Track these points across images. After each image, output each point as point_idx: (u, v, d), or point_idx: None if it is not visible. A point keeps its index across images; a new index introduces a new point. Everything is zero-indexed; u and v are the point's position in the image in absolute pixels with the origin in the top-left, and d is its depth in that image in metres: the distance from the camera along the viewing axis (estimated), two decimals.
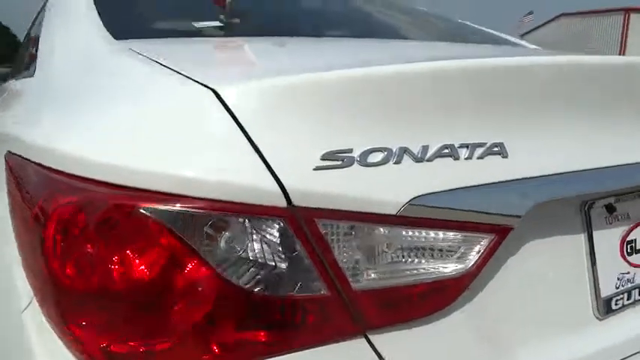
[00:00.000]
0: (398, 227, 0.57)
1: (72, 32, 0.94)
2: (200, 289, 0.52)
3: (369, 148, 0.56)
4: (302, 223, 0.52)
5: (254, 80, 0.55)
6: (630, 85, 0.77)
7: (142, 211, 0.51)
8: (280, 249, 0.53)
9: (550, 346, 0.69)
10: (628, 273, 0.81)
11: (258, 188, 0.51)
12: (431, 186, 0.57)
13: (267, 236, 0.52)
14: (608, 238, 0.79)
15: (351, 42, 1.07)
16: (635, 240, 0.83)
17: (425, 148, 0.58)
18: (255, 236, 0.52)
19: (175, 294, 0.52)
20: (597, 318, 0.76)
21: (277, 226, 0.52)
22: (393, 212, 0.55)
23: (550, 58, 0.70)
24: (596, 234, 0.77)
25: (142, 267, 0.51)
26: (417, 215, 0.57)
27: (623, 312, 0.79)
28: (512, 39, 1.83)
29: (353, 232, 0.55)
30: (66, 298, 0.53)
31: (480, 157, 0.61)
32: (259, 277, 0.53)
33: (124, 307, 0.52)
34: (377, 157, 0.56)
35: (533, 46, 1.76)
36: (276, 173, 0.52)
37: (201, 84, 0.56)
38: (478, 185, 0.60)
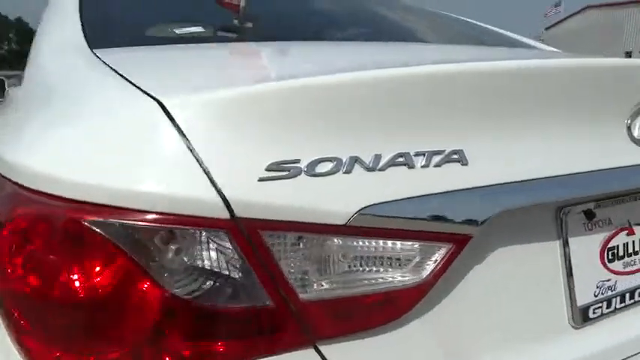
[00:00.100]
0: (348, 237, 0.56)
1: (52, 41, 0.96)
2: (147, 300, 0.52)
3: (317, 158, 0.55)
4: (245, 234, 0.52)
5: (198, 92, 0.55)
6: (608, 87, 0.75)
7: (86, 224, 0.51)
8: (224, 261, 0.53)
9: (517, 355, 0.67)
10: (608, 280, 0.78)
11: (201, 200, 0.51)
12: (383, 195, 0.56)
13: (211, 248, 0.52)
14: (586, 245, 0.76)
15: (329, 46, 1.06)
16: (617, 246, 0.80)
17: (377, 157, 0.57)
18: (199, 248, 0.52)
19: (122, 306, 0.52)
20: (573, 327, 0.74)
21: (220, 238, 0.52)
22: (342, 222, 0.55)
23: (519, 62, 0.68)
24: (572, 241, 0.75)
25: (89, 279, 0.52)
26: (368, 225, 0.56)
27: (602, 321, 0.76)
28: (518, 38, 1.78)
29: (301, 243, 0.55)
30: (18, 308, 0.55)
31: (438, 165, 0.60)
32: (204, 288, 0.53)
33: (72, 318, 0.53)
34: (325, 167, 0.55)
35: (544, 47, 1.71)
36: (219, 185, 0.51)
37: (150, 95, 0.56)
38: (434, 194, 0.59)
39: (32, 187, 0.55)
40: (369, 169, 0.57)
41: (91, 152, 0.54)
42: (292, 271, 0.54)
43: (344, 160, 0.56)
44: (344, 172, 0.56)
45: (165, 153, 0.53)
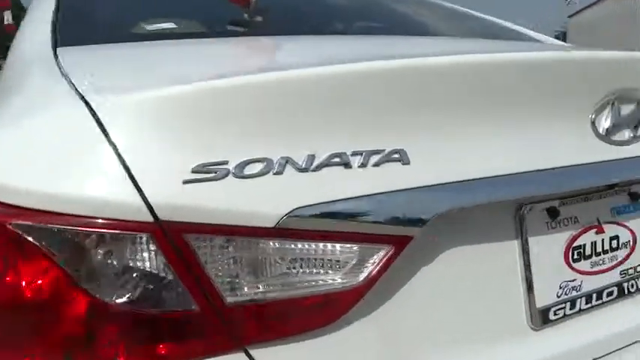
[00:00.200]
0: (278, 240, 0.55)
1: (23, 39, 0.96)
2: (75, 305, 0.52)
3: (246, 159, 0.54)
4: (169, 238, 0.52)
5: (125, 92, 0.54)
6: (571, 81, 0.72)
7: (11, 227, 0.51)
8: (149, 265, 0.52)
9: (469, 357, 0.66)
10: (573, 280, 0.76)
11: (125, 204, 0.51)
12: (316, 196, 0.55)
13: (136, 252, 0.52)
14: (549, 244, 0.74)
15: (277, 41, 1.03)
16: (584, 245, 0.77)
17: (311, 158, 0.56)
18: (124, 253, 0.52)
19: (51, 310, 0.52)
20: (532, 329, 0.71)
21: (145, 242, 0.52)
22: (271, 225, 0.54)
23: (470, 57, 0.66)
24: (533, 240, 0.72)
25: (16, 283, 0.52)
26: (300, 227, 0.55)
27: (565, 322, 0.74)
28: (515, 28, 1.71)
29: (229, 246, 0.54)
30: None
31: (376, 165, 0.58)
32: (131, 293, 0.52)
33: (3, 323, 0.53)
34: (255, 168, 0.54)
35: (547, 39, 1.63)
36: (142, 188, 0.51)
37: (80, 96, 0.55)
38: (372, 195, 0.57)
39: None
40: (302, 170, 0.55)
41: (18, 154, 0.54)
42: (221, 274, 0.54)
43: (275, 161, 0.55)
44: (274, 174, 0.54)
45: (91, 155, 0.52)
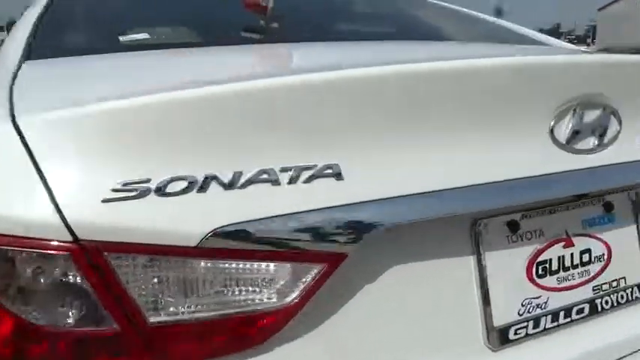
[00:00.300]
0: (203, 259, 0.54)
1: (3, 48, 0.99)
2: None
3: (169, 177, 0.53)
4: (89, 257, 0.51)
5: (48, 110, 0.54)
6: (528, 88, 0.68)
7: None
8: (70, 284, 0.52)
9: None
10: (538, 298, 0.72)
11: (45, 223, 0.51)
12: (242, 214, 0.54)
13: (57, 271, 0.52)
14: (509, 260, 0.71)
15: (221, 54, 1.01)
16: (550, 260, 0.74)
17: (238, 175, 0.55)
18: (45, 272, 0.52)
19: None
20: (491, 349, 0.68)
21: (65, 261, 0.51)
22: (193, 244, 0.53)
23: (414, 66, 0.64)
24: (490, 255, 0.69)
25: None
26: (225, 246, 0.54)
27: (527, 342, 0.70)
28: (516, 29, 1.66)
29: (152, 266, 0.53)
30: None
31: (307, 181, 0.57)
32: (52, 312, 0.52)
33: None
34: (178, 186, 0.53)
35: (558, 42, 1.56)
36: (61, 207, 0.51)
37: (9, 112, 0.56)
38: (300, 212, 0.55)
39: None
40: (227, 187, 0.54)
41: None
42: (144, 294, 0.53)
43: (199, 179, 0.54)
44: (198, 191, 0.53)
45: (14, 173, 0.52)
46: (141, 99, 0.54)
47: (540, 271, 0.73)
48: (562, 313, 0.73)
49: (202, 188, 0.54)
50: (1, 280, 0.51)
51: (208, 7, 1.35)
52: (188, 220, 0.53)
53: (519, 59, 0.69)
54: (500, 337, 0.68)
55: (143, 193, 0.52)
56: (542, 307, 0.72)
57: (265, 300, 0.56)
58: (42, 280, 0.52)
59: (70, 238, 0.51)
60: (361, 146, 0.60)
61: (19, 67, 0.81)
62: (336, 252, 0.57)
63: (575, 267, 0.75)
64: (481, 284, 0.68)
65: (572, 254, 0.75)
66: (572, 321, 0.74)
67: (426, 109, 0.63)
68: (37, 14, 1.14)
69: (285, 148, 0.57)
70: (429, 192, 0.61)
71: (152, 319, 0.53)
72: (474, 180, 0.64)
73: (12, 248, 0.51)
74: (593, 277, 0.77)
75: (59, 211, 0.51)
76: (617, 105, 0.73)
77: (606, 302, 0.77)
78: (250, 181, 0.55)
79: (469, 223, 0.68)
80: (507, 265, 0.70)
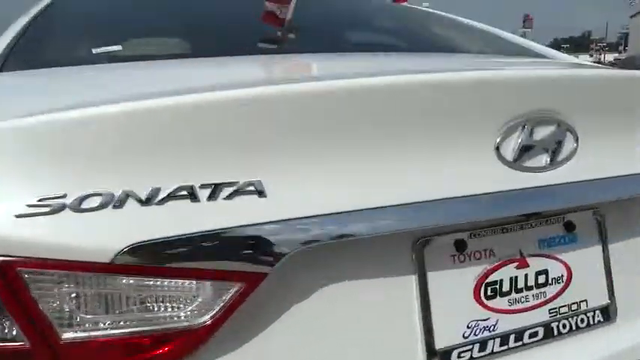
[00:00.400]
0: (115, 276, 0.53)
1: None
2: None
3: (85, 193, 0.53)
4: (1, 272, 0.51)
5: None
6: (473, 104, 0.66)
7: None
8: None
9: None
10: (486, 320, 0.69)
11: None
12: (157, 231, 0.53)
13: None
14: (454, 280, 0.68)
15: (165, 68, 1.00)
16: (501, 281, 0.71)
17: (155, 191, 0.54)
18: None
19: None
20: None
21: None
22: (107, 260, 0.52)
23: (345, 82, 0.62)
24: (433, 275, 0.67)
25: None
26: (138, 263, 0.53)
27: None
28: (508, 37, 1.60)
29: (65, 281, 0.53)
30: None
31: (228, 198, 0.56)
32: None
33: None
34: (93, 202, 0.53)
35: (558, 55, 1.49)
36: None
37: None
38: (219, 229, 0.55)
39: None
40: (145, 204, 0.54)
41: None
42: (57, 309, 0.53)
43: (116, 195, 0.54)
44: (114, 207, 0.53)
45: None
46: (58, 115, 0.54)
47: (489, 292, 0.70)
48: (512, 336, 0.70)
49: (119, 204, 0.53)
50: None
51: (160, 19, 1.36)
52: (102, 235, 0.53)
53: (463, 74, 0.67)
54: None
55: (58, 209, 0.52)
56: (491, 329, 0.69)
57: (181, 318, 0.55)
58: None
59: None
60: (287, 163, 0.59)
61: None
62: (255, 271, 0.56)
63: (529, 288, 0.72)
64: (423, 305, 0.66)
65: (526, 275, 0.72)
66: (523, 344, 0.71)
67: (359, 124, 0.62)
68: (21, 26, 1.17)
69: (207, 165, 0.57)
70: (360, 210, 0.60)
71: (65, 336, 0.53)
72: (412, 197, 0.62)
73: None
74: (550, 299, 0.74)
75: None
76: (572, 122, 0.71)
77: (564, 326, 0.74)
78: (169, 197, 0.55)
79: (411, 241, 0.66)
80: (453, 285, 0.68)
